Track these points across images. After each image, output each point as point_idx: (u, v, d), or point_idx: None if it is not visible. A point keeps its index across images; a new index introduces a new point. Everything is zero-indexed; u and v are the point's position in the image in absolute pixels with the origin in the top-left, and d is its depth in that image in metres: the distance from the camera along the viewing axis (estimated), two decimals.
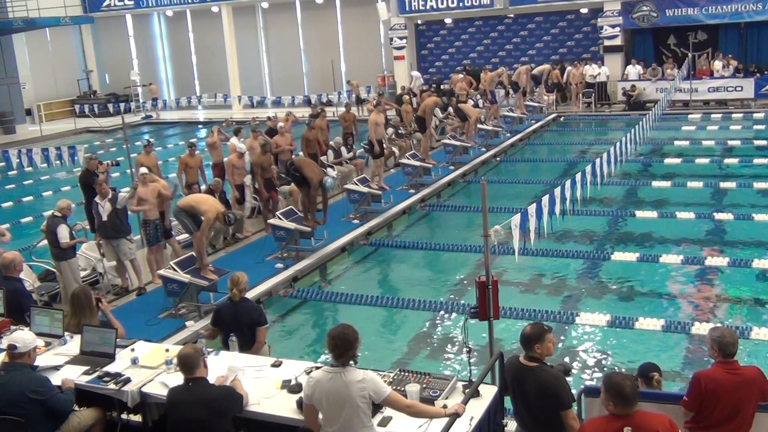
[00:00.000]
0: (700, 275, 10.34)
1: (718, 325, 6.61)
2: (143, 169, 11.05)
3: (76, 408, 5.89)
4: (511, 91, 23.12)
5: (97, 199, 10.23)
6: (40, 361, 6.11)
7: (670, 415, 5.04)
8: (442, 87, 25.22)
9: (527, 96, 23.30)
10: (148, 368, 5.97)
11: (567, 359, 8.05)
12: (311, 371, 5.48)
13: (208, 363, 5.43)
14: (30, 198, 17.62)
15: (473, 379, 5.34)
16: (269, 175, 12.81)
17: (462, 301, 9.76)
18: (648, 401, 5.13)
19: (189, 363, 5.14)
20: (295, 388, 5.46)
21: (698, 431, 4.96)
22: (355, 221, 13.19)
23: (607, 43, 25.57)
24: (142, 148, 13.60)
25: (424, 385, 5.27)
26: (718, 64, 23.47)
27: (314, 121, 16.12)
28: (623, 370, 7.58)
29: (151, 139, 15.37)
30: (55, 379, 5.83)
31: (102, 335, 6.30)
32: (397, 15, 28.07)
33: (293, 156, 14.13)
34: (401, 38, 28.43)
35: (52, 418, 5.51)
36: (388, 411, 4.97)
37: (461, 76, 25.52)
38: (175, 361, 5.97)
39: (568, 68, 25.28)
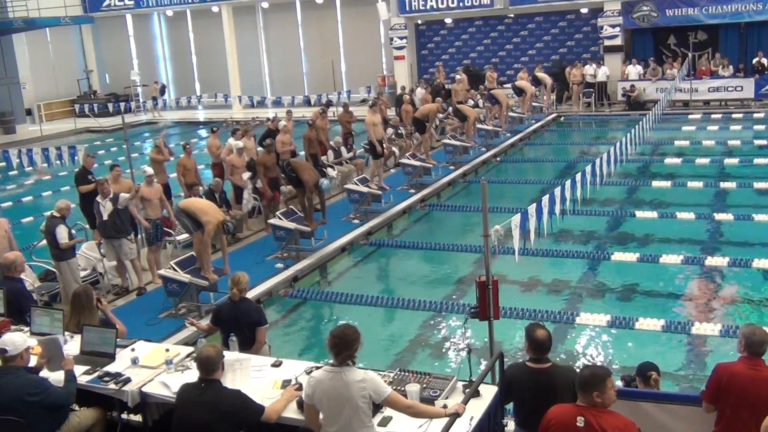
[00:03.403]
0: (700, 275, 10.34)
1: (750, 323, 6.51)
2: (149, 169, 11.09)
3: (76, 408, 5.88)
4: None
5: (98, 198, 10.24)
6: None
7: (671, 415, 5.06)
8: (446, 87, 25.22)
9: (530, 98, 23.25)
10: (149, 368, 5.97)
11: (561, 356, 8.05)
12: (311, 371, 5.49)
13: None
14: (30, 198, 17.62)
15: (473, 379, 5.34)
16: (274, 175, 12.79)
17: (462, 301, 9.77)
18: (646, 401, 5.15)
19: (209, 365, 5.08)
20: (295, 388, 5.46)
21: None
22: (355, 221, 13.19)
23: (607, 43, 25.56)
24: (153, 146, 13.53)
25: (424, 385, 5.27)
26: (765, 61, 23.26)
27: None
28: (621, 369, 7.59)
29: (163, 138, 15.12)
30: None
31: (102, 335, 6.30)
32: (397, 15, 28.06)
33: (292, 157, 14.13)
34: (401, 38, 28.41)
35: (53, 415, 5.48)
36: (388, 411, 4.97)
37: (460, 76, 25.54)
38: (175, 360, 5.99)
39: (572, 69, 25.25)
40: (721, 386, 4.74)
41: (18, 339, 5.57)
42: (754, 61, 23.20)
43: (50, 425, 5.49)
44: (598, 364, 7.98)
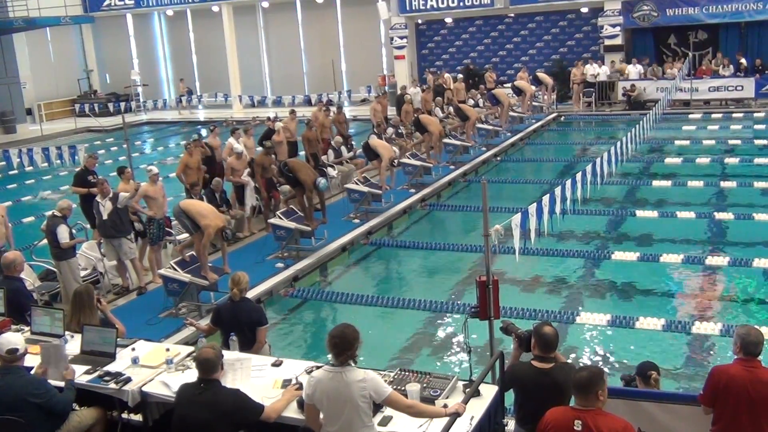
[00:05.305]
0: (700, 275, 10.34)
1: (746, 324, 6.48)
2: (153, 168, 11.09)
3: (77, 407, 5.88)
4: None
5: (98, 198, 10.24)
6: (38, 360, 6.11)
7: (671, 414, 5.06)
8: (444, 86, 25.24)
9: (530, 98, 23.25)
10: (149, 368, 5.97)
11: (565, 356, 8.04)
12: (312, 371, 5.50)
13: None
14: (30, 197, 17.61)
15: (474, 379, 5.34)
16: (270, 175, 12.80)
17: (462, 301, 9.77)
18: (647, 400, 5.15)
19: (208, 366, 5.09)
20: (295, 388, 5.46)
21: None
22: (356, 221, 13.19)
23: (607, 42, 25.55)
24: (184, 148, 13.43)
25: (425, 385, 5.27)
26: (744, 62, 23.26)
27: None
28: (621, 369, 7.59)
29: (195, 137, 14.94)
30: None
31: (102, 335, 6.30)
32: (397, 14, 28.06)
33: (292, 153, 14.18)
34: (401, 38, 28.42)
35: (52, 419, 5.49)
36: (388, 410, 4.97)
37: (460, 76, 25.54)
38: (176, 360, 5.99)
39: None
40: (719, 389, 4.71)
41: (21, 338, 5.58)
42: (735, 64, 23.20)
43: (49, 427, 5.49)
44: (598, 363, 7.99)
